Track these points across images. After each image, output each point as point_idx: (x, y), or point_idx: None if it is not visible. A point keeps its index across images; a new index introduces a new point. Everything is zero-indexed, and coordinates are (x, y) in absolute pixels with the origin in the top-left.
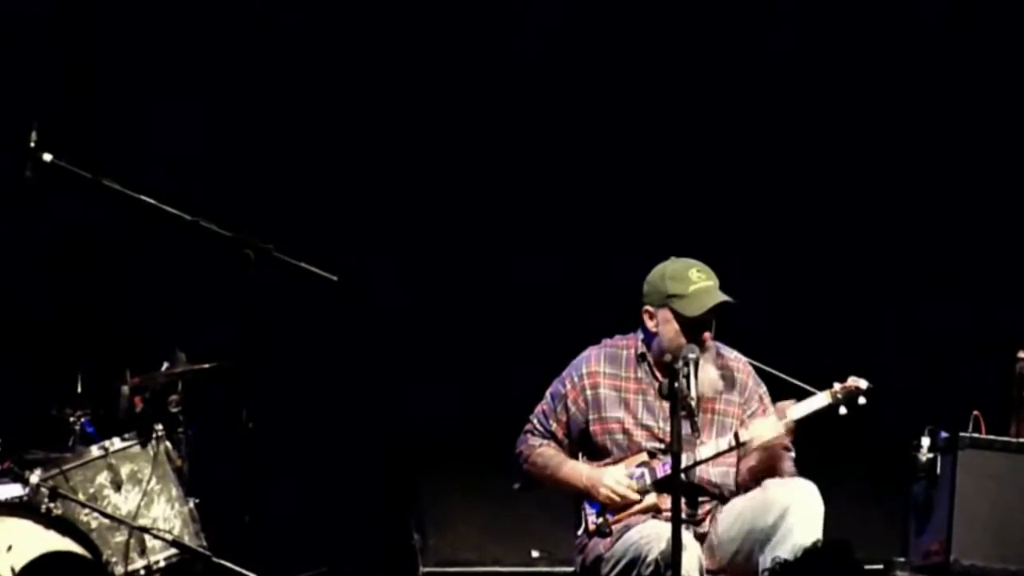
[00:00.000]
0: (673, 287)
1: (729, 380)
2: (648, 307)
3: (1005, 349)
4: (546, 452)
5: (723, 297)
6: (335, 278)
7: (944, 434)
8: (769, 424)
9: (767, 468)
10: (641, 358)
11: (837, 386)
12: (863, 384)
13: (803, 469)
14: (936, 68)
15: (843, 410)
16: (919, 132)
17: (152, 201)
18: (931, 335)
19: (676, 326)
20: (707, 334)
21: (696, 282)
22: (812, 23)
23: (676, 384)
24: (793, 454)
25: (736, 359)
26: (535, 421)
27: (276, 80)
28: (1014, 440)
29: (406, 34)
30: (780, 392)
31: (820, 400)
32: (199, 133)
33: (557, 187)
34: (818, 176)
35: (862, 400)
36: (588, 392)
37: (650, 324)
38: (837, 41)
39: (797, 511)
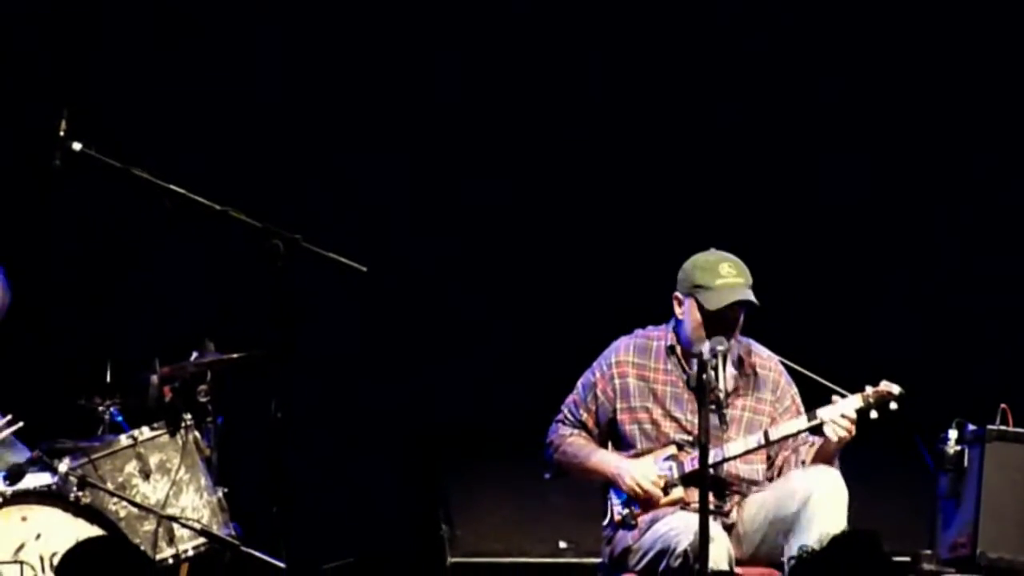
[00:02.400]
0: (701, 278)
1: (762, 379)
2: (677, 293)
3: None
4: (576, 442)
5: (745, 297)
6: (364, 268)
7: (972, 427)
8: (798, 423)
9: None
10: (671, 350)
11: (869, 390)
12: (895, 389)
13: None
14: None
15: (874, 414)
16: (943, 124)
17: (181, 191)
18: (960, 328)
19: (698, 317)
20: (730, 331)
21: (725, 276)
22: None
23: (704, 376)
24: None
25: (769, 358)
26: (566, 411)
27: (301, 68)
28: None
29: (436, 21)
30: (812, 394)
31: (852, 403)
32: (229, 123)
33: (587, 174)
34: (844, 173)
35: (893, 405)
36: (617, 381)
37: (677, 311)
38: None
39: (819, 499)
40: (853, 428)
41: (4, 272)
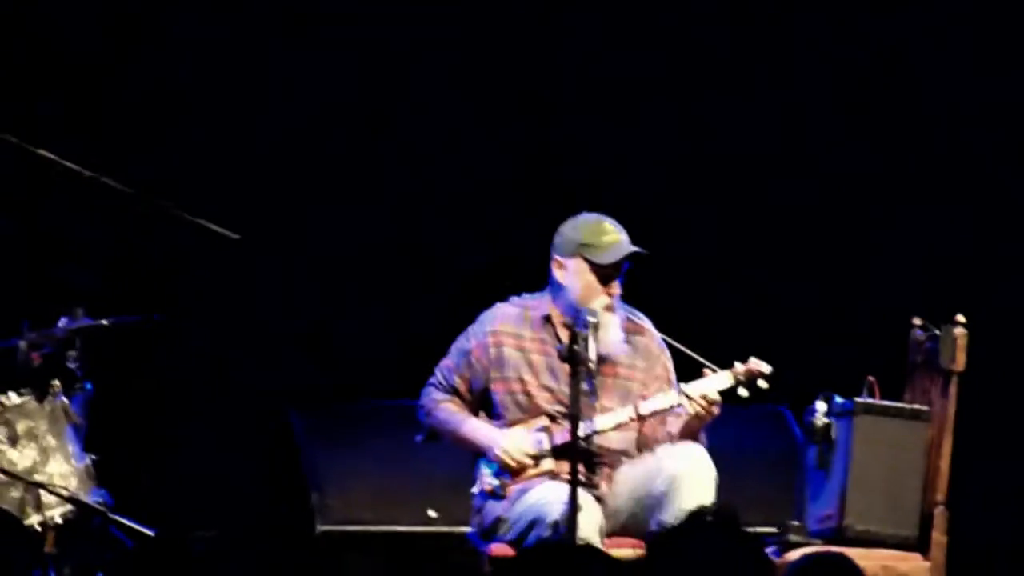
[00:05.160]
0: (586, 236)
1: (635, 345)
2: (558, 257)
3: (899, 316)
4: (448, 408)
5: (636, 248)
6: (236, 236)
7: (839, 399)
8: (668, 398)
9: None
10: (546, 319)
11: (740, 367)
12: (765, 368)
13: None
14: None
15: (743, 392)
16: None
17: (51, 156)
18: (827, 301)
19: (588, 276)
20: (616, 286)
21: (609, 232)
22: None
23: (575, 347)
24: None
25: (642, 324)
26: (439, 375)
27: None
28: (908, 406)
29: None
30: (684, 368)
31: (721, 380)
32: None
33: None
34: (729, 143)
35: (763, 384)
36: (492, 350)
37: (559, 274)
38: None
39: (686, 478)
40: (716, 409)
41: None
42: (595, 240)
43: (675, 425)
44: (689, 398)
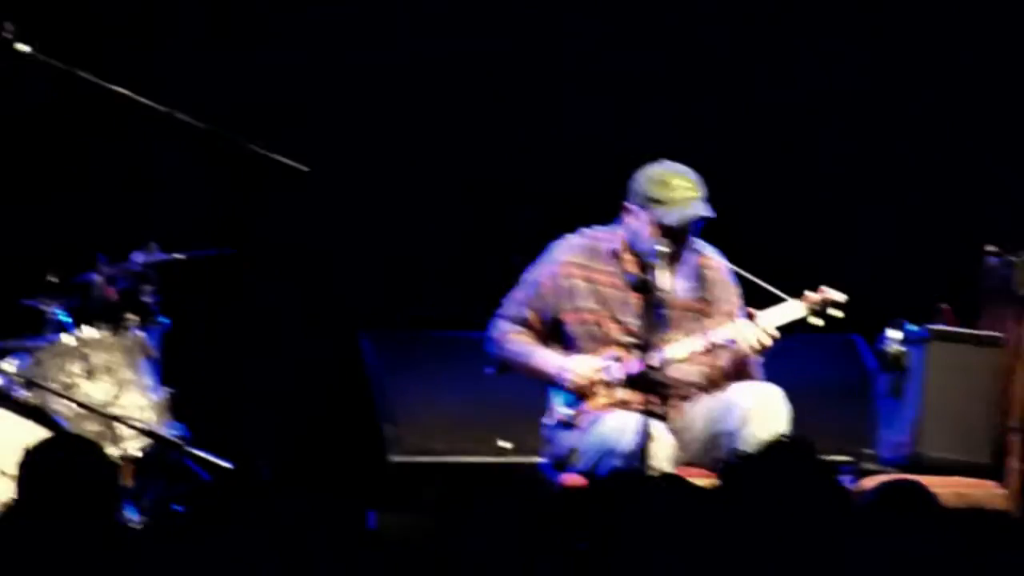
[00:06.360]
0: (655, 191)
1: (704, 278)
2: (629, 204)
3: (973, 243)
4: (519, 339)
5: (702, 212)
6: (306, 169)
7: (913, 327)
8: (742, 328)
9: (736, 372)
10: (615, 253)
11: (812, 295)
12: (838, 297)
13: (773, 366)
14: None
15: (816, 321)
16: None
17: (126, 92)
18: (900, 228)
19: (655, 230)
20: (684, 244)
21: (677, 190)
22: None
23: (648, 278)
24: (762, 360)
25: (713, 257)
26: (510, 306)
27: None
28: (982, 333)
29: None
30: (755, 298)
31: (794, 309)
32: (176, 22)
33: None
34: (795, 78)
35: (836, 312)
36: (563, 281)
37: (628, 219)
38: None
39: (759, 411)
40: (770, 340)
41: None
42: (664, 196)
43: (726, 356)
44: (761, 328)
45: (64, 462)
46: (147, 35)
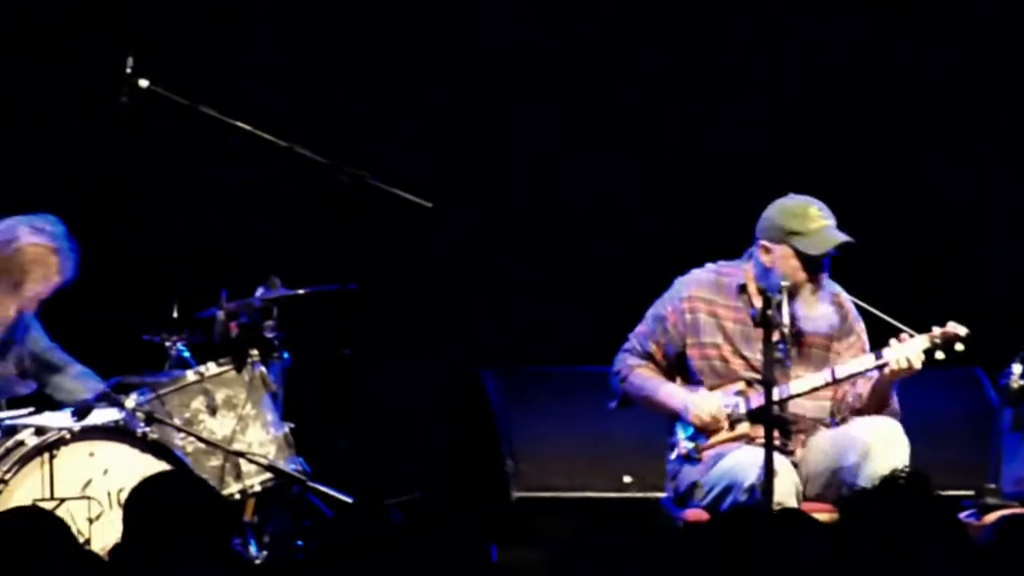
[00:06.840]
0: (793, 224)
1: (839, 313)
2: (765, 242)
3: None
4: (644, 373)
5: (845, 237)
6: (429, 205)
7: None
8: (862, 362)
9: (877, 401)
10: (742, 288)
11: (936, 331)
12: (962, 331)
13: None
14: None
15: (940, 355)
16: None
17: (247, 127)
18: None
19: (795, 263)
20: (823, 276)
21: (815, 220)
22: None
23: (769, 312)
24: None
25: (837, 291)
26: (634, 341)
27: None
28: None
29: None
30: (878, 332)
31: (918, 344)
32: (293, 60)
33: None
34: (913, 115)
35: (960, 347)
36: (688, 316)
37: (765, 258)
38: None
39: (879, 446)
40: (916, 365)
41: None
42: (803, 228)
43: (865, 387)
44: (891, 360)
45: (167, 498)
46: (267, 72)
